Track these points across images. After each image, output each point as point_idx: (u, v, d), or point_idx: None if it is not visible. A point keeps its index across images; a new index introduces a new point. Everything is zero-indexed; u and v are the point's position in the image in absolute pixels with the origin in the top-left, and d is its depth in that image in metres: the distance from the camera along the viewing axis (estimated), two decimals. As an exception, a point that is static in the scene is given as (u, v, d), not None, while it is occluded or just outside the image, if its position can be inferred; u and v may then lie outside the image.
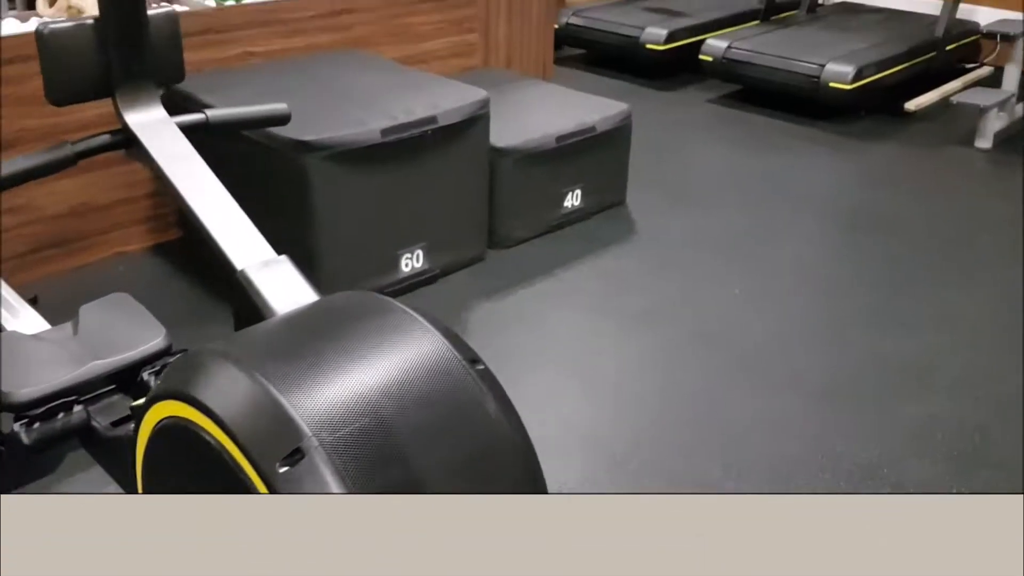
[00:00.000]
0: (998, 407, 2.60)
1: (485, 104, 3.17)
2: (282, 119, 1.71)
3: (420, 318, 1.19)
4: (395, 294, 3.13)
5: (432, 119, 3.01)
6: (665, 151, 4.42)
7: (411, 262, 3.15)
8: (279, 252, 1.57)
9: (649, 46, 5.19)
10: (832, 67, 4.60)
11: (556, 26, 5.46)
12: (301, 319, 1.23)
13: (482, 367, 1.18)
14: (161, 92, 1.61)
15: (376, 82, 3.27)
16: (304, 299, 1.36)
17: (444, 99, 3.10)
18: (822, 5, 5.95)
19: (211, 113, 1.64)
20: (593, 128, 3.54)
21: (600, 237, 3.56)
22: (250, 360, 1.09)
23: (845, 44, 4.93)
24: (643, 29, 5.22)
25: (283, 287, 1.37)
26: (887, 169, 4.27)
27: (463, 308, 3.09)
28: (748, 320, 3.03)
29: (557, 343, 2.90)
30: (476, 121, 3.14)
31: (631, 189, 3.87)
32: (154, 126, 1.56)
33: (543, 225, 3.54)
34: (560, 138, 3.44)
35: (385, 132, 2.90)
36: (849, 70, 4.55)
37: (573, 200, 3.60)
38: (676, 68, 5.42)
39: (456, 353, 1.16)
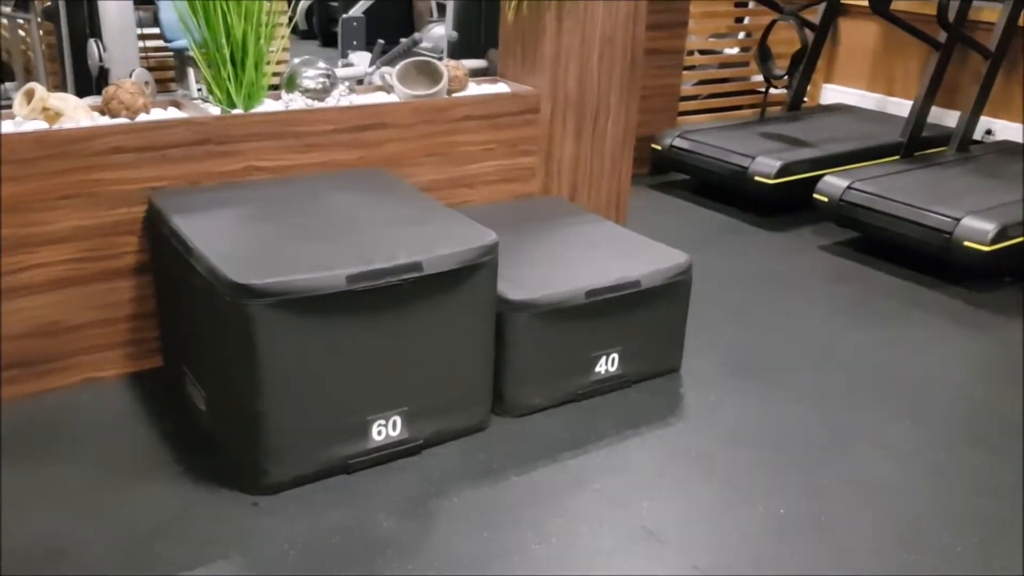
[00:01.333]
0: None
1: (491, 250, 2.65)
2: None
3: None
4: (363, 467, 2.64)
5: (415, 266, 2.51)
6: (753, 306, 3.75)
7: (385, 430, 2.63)
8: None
9: (758, 179, 4.54)
10: (969, 222, 3.84)
11: (659, 147, 4.92)
12: None
13: None
14: None
15: (374, 212, 2.81)
16: None
17: (440, 241, 2.60)
18: (979, 143, 5.15)
19: None
20: (637, 283, 2.95)
21: (633, 415, 2.94)
22: None
23: (992, 194, 4.15)
24: (753, 159, 4.58)
25: None
26: (1024, 355, 3.47)
27: (435, 493, 2.53)
28: (780, 561, 2.34)
29: (528, 560, 2.30)
30: (477, 269, 2.62)
31: (692, 354, 3.24)
32: None
33: (566, 393, 2.95)
34: (592, 292, 2.87)
35: (352, 279, 2.42)
36: (990, 228, 3.78)
37: (607, 365, 3.00)
38: (791, 205, 4.74)
39: None
